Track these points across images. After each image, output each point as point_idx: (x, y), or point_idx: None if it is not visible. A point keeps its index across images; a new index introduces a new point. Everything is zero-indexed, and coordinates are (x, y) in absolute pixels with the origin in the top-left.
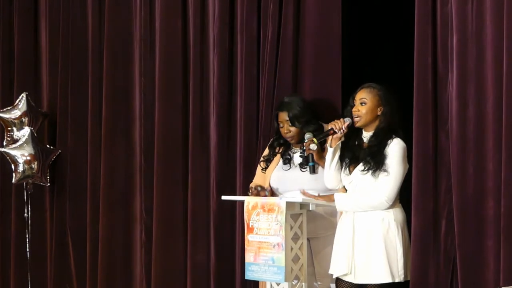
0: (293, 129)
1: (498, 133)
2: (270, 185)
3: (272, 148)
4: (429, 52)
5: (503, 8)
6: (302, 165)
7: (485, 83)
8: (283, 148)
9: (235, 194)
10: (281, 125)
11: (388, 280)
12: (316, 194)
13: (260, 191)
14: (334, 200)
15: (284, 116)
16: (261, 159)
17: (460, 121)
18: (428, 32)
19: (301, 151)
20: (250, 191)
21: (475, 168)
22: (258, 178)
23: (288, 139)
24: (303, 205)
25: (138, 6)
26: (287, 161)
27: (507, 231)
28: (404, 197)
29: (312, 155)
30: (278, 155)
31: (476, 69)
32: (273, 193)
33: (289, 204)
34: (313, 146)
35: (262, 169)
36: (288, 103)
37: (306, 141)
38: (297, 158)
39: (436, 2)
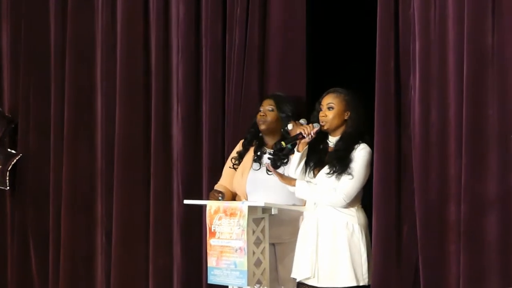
0: (272, 114)
1: (459, 138)
2: (246, 190)
3: (245, 141)
4: (391, 56)
5: (465, 13)
6: (267, 169)
7: (448, 88)
8: (256, 145)
9: (201, 198)
10: (260, 109)
11: (353, 283)
12: (282, 199)
13: (220, 196)
14: (294, 185)
15: (268, 102)
16: (234, 154)
17: (422, 125)
18: (390, 36)
19: (271, 152)
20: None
21: (437, 173)
22: (225, 177)
23: (260, 123)
24: (265, 210)
25: (100, 8)
26: (258, 159)
27: (468, 236)
28: (366, 201)
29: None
30: (251, 157)
31: (438, 74)
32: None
33: (251, 209)
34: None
35: (233, 165)
36: (277, 94)
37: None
38: (266, 160)
39: (398, 7)
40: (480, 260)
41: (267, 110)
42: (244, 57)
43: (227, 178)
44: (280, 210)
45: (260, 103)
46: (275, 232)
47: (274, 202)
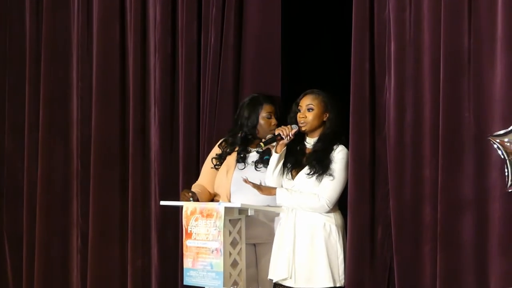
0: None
1: (435, 139)
2: (230, 189)
3: (227, 145)
4: (366, 58)
5: (440, 15)
6: (256, 164)
7: (423, 89)
8: (240, 147)
9: (178, 200)
10: (267, 116)
11: (330, 284)
12: (267, 199)
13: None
14: (274, 194)
15: (272, 108)
16: (213, 155)
17: (397, 127)
18: (366, 38)
19: (258, 150)
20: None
21: (412, 174)
22: (204, 177)
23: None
24: (241, 211)
25: (76, 9)
26: (242, 160)
27: (444, 236)
28: (341, 202)
29: (270, 150)
30: (234, 157)
31: (414, 75)
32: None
33: (228, 210)
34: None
35: (214, 166)
36: (275, 97)
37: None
38: (251, 157)
39: (374, 9)
40: (455, 260)
41: (275, 119)
42: (219, 57)
43: (207, 178)
44: (260, 210)
45: (256, 109)
46: (256, 232)
47: (258, 203)
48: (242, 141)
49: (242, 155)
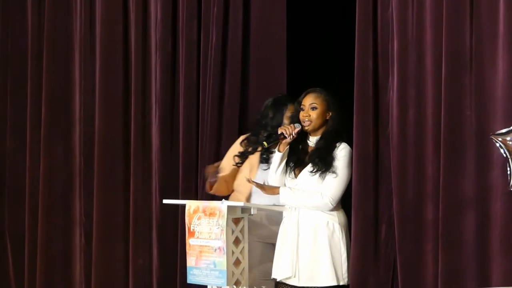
0: None
1: (437, 138)
2: (251, 189)
3: (250, 143)
4: (369, 56)
5: (443, 13)
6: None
7: (425, 87)
8: (263, 149)
9: (177, 198)
10: (291, 117)
11: (333, 283)
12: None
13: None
14: (278, 193)
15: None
16: (235, 152)
17: (400, 125)
18: (369, 36)
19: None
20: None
21: (414, 173)
22: (226, 171)
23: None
24: (244, 209)
25: (78, 8)
26: (265, 160)
27: (445, 235)
28: (345, 201)
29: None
30: (256, 157)
31: (416, 74)
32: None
33: (231, 208)
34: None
35: (236, 164)
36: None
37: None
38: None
39: (377, 7)
40: (457, 259)
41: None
42: (222, 56)
43: (229, 173)
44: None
45: (281, 109)
46: (272, 232)
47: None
48: (256, 141)
49: (265, 156)
